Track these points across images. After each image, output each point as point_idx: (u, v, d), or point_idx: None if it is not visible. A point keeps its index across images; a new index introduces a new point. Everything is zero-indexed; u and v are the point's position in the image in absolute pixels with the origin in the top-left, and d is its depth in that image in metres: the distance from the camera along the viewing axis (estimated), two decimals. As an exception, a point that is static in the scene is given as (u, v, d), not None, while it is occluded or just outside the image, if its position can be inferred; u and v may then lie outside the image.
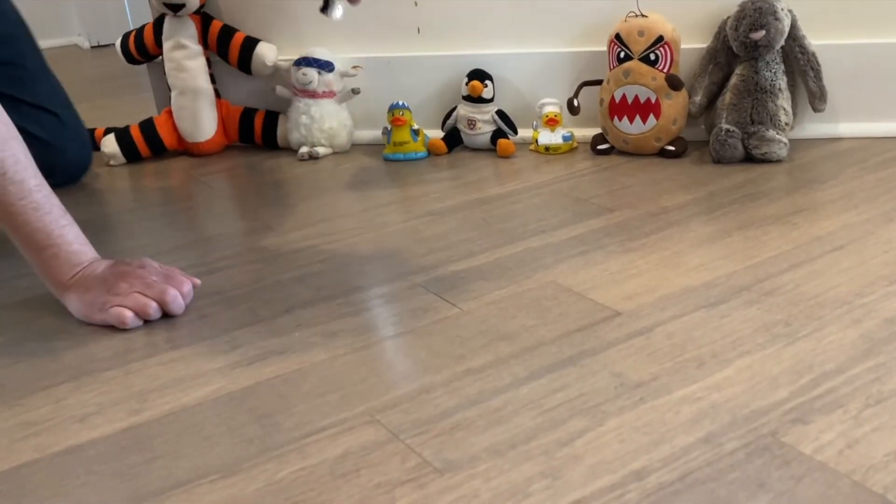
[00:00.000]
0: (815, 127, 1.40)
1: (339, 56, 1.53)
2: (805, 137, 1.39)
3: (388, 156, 1.48)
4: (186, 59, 1.52)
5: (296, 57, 1.52)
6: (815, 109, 1.34)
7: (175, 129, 1.57)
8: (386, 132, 1.48)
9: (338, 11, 1.12)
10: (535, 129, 1.45)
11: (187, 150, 1.59)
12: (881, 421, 0.67)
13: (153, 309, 0.93)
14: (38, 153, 1.27)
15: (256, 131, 1.58)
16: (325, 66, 1.50)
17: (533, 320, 0.88)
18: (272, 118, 1.58)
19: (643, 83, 1.34)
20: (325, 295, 0.98)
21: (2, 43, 1.36)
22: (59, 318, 0.97)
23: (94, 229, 1.24)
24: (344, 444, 0.70)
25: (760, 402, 0.71)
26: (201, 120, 1.55)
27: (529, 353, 0.82)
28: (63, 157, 1.41)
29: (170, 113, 1.57)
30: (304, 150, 1.52)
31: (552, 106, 1.42)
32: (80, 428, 0.76)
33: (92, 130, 1.58)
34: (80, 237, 0.98)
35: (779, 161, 1.30)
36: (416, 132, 1.47)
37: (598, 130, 1.43)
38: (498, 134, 1.45)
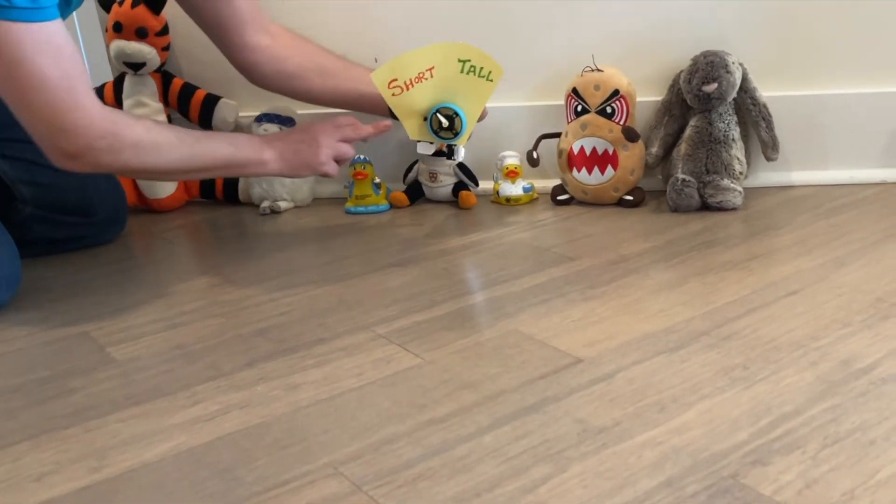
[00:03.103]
0: (768, 175, 1.43)
1: (300, 112, 1.54)
2: (759, 186, 1.42)
3: (349, 209, 1.49)
4: (147, 116, 1.53)
5: (257, 113, 1.53)
6: (768, 158, 1.38)
7: (135, 185, 1.57)
8: (348, 186, 1.49)
9: (460, 154, 1.35)
10: (496, 181, 1.47)
11: (148, 206, 1.58)
12: (838, 461, 0.68)
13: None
14: (71, 187, 1.27)
15: (217, 187, 1.59)
16: (287, 122, 1.51)
17: (496, 368, 0.88)
18: (234, 173, 1.58)
19: (600, 135, 1.37)
20: (287, 347, 0.98)
21: None
22: (15, 377, 0.96)
23: (53, 288, 1.23)
24: (307, 497, 0.70)
25: (721, 444, 0.72)
26: (162, 176, 1.55)
27: (492, 402, 0.82)
28: (97, 190, 1.37)
29: (131, 169, 1.57)
30: (265, 204, 1.52)
31: (512, 158, 1.44)
32: (36, 488, 0.75)
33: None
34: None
35: (734, 209, 1.32)
36: (377, 185, 1.48)
37: (557, 181, 1.45)
38: (459, 186, 1.47)
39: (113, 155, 1.08)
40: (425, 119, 1.27)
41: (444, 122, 1.26)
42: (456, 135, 1.27)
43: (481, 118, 1.34)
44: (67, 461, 0.78)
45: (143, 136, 1.12)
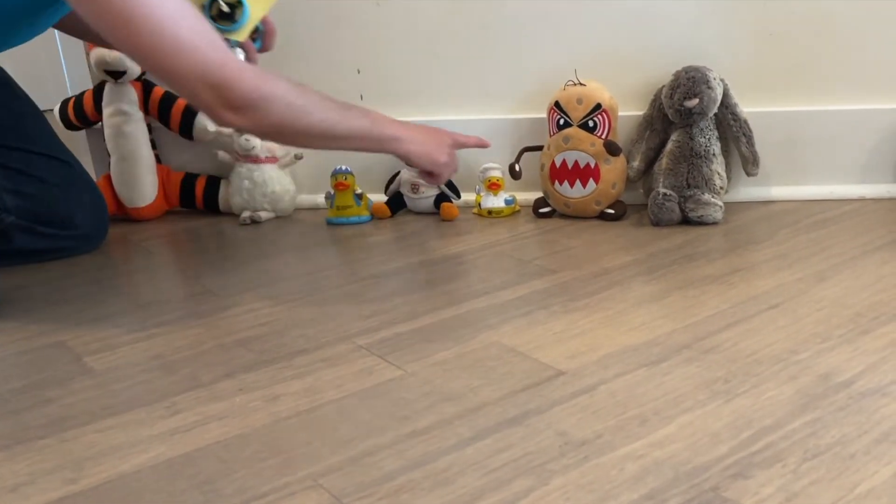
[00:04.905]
0: (748, 190, 1.44)
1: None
2: (739, 200, 1.43)
3: (331, 220, 1.48)
4: (127, 124, 1.52)
5: (239, 122, 1.52)
6: (748, 174, 1.39)
7: (114, 194, 1.55)
8: (329, 196, 1.49)
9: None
10: (478, 194, 1.47)
11: (127, 214, 1.57)
12: (818, 474, 0.68)
13: None
14: (56, 200, 1.26)
15: (198, 196, 1.58)
16: (269, 132, 1.50)
17: (477, 381, 0.88)
18: (214, 183, 1.57)
19: (582, 149, 1.37)
20: (267, 358, 0.97)
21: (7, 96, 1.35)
22: (-8, 386, 0.94)
23: (30, 297, 1.22)
24: (286, 509, 0.69)
25: (702, 457, 0.72)
26: (141, 185, 1.54)
27: (474, 414, 0.82)
28: (80, 204, 1.36)
29: (108, 178, 1.56)
30: (246, 214, 1.51)
31: (495, 171, 1.44)
32: (11, 499, 0.73)
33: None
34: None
35: (714, 223, 1.33)
36: (359, 196, 1.47)
37: (539, 194, 1.45)
38: (441, 198, 1.47)
39: (266, 109, 1.05)
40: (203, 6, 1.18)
41: (226, 8, 1.17)
42: (234, 23, 1.18)
43: (270, 32, 1.29)
44: (43, 472, 0.77)
45: (291, 91, 1.09)
